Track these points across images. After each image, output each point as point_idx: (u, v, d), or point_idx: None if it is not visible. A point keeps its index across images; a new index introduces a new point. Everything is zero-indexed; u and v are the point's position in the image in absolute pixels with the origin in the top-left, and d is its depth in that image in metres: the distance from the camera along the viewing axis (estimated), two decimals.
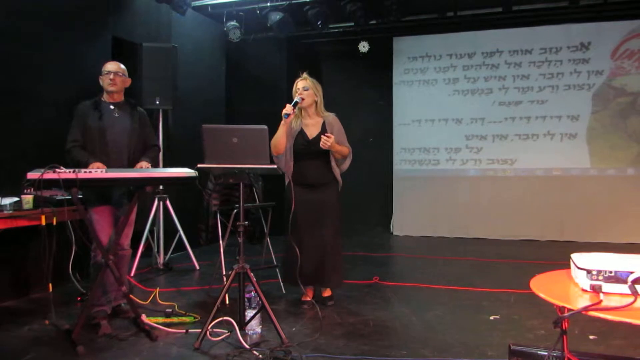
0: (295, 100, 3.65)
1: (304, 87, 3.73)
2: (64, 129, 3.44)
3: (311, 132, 3.76)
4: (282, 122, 3.60)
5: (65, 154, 3.35)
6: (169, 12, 6.22)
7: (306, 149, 3.72)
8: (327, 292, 3.92)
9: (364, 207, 8.14)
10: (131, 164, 3.48)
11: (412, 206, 7.78)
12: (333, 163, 3.78)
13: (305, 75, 3.80)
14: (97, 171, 3.02)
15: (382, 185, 8.05)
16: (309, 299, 3.86)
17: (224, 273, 4.01)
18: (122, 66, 3.58)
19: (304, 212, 3.71)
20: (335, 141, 3.67)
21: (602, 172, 7.05)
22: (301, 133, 3.75)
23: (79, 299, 3.94)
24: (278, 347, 2.90)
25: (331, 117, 3.83)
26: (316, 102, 3.79)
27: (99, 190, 3.36)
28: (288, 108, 3.54)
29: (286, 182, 3.73)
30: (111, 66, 3.53)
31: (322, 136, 3.59)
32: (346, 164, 3.85)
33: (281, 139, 3.65)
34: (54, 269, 3.13)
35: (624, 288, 1.62)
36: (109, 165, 3.32)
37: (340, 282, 3.94)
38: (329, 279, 3.80)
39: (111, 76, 3.48)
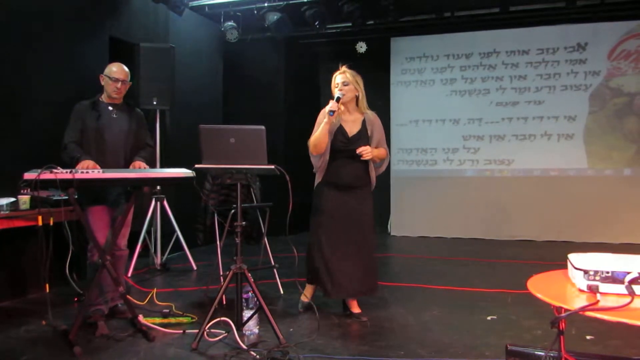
0: (337, 95, 3.39)
1: (344, 81, 3.47)
2: (61, 130, 3.42)
3: (351, 129, 3.52)
4: (326, 119, 3.35)
5: (61, 151, 3.34)
6: (166, 12, 6.22)
7: (345, 147, 3.47)
8: (357, 308, 3.63)
9: None
10: (128, 165, 3.47)
11: (410, 206, 7.78)
12: (371, 165, 3.59)
13: (344, 68, 3.54)
14: (94, 171, 3.02)
15: (380, 185, 7.96)
16: (307, 299, 3.75)
17: (222, 273, 4.00)
18: (127, 70, 3.53)
19: (339, 215, 3.51)
20: (376, 140, 3.54)
21: (599, 172, 7.07)
22: (340, 130, 3.50)
23: (76, 299, 3.93)
24: (275, 348, 2.90)
25: (372, 114, 3.61)
26: (357, 97, 3.55)
27: (95, 191, 3.36)
28: (333, 105, 3.33)
29: (317, 181, 3.57)
30: (118, 73, 3.46)
31: (360, 150, 3.40)
32: (383, 167, 3.67)
33: (324, 138, 3.39)
34: (51, 270, 3.12)
35: (621, 288, 1.62)
36: (106, 166, 3.31)
37: (377, 285, 3.65)
38: (367, 286, 3.58)
39: (118, 85, 3.45)
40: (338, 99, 3.38)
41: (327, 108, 3.37)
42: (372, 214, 3.63)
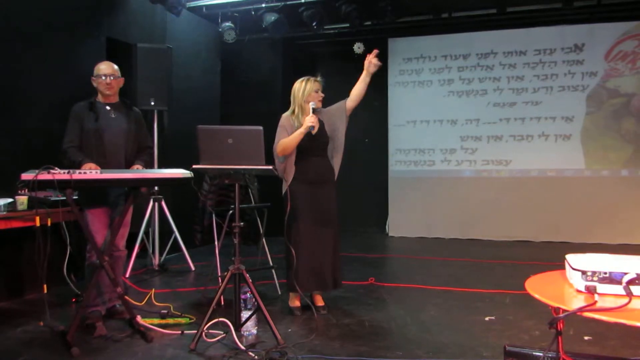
0: (313, 107, 3.57)
1: (320, 91, 3.70)
2: (59, 130, 3.42)
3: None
4: (302, 130, 3.50)
5: (61, 155, 3.34)
6: (164, 13, 6.21)
7: (310, 145, 3.61)
8: (321, 302, 3.79)
9: (359, 208, 8.14)
10: (128, 165, 3.46)
11: (408, 207, 7.79)
12: (335, 160, 3.74)
13: (319, 78, 3.76)
14: (91, 172, 3.01)
15: (378, 186, 8.05)
16: (299, 304, 3.76)
17: (220, 274, 4.00)
18: (115, 66, 3.52)
19: (311, 211, 3.61)
20: (329, 125, 3.74)
21: (596, 173, 7.09)
22: None
23: (73, 300, 3.92)
24: (274, 348, 2.90)
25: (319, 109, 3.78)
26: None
27: (95, 192, 3.35)
28: (314, 120, 3.50)
29: (287, 182, 3.61)
30: (105, 69, 3.46)
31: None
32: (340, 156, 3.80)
33: (295, 144, 3.55)
34: (49, 270, 3.11)
35: (619, 289, 1.63)
36: (107, 166, 3.30)
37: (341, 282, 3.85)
38: (336, 281, 3.71)
39: (107, 80, 3.43)
40: (314, 111, 3.57)
41: (308, 123, 3.50)
42: (338, 209, 3.78)
